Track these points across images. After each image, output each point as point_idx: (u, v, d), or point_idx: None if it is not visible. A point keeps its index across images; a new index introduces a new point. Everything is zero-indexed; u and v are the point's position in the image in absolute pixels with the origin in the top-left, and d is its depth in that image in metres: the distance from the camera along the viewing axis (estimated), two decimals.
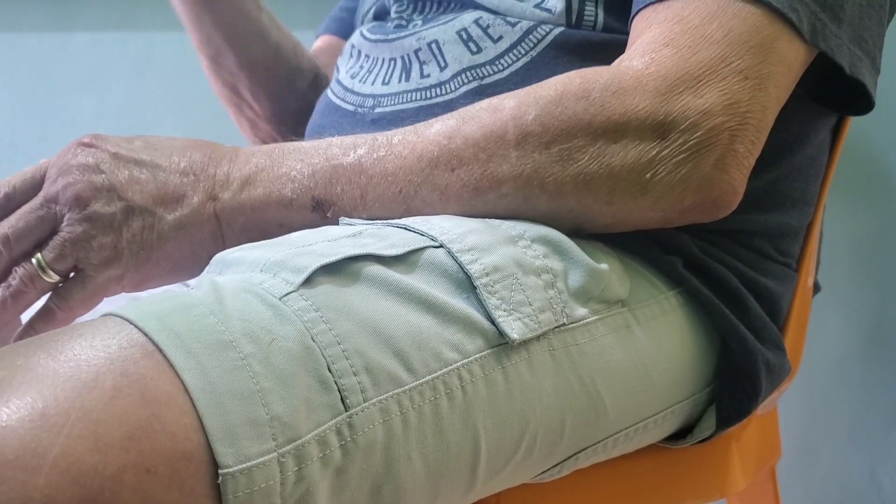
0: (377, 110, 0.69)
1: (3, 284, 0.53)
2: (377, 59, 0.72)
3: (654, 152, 0.52)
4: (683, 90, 0.52)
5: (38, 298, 0.54)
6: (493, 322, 0.48)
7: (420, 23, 0.71)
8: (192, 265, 0.54)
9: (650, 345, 0.57)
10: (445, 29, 0.67)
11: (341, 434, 0.42)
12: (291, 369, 0.41)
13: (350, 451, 0.42)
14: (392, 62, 0.70)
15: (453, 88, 0.66)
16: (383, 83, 0.70)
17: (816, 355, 1.04)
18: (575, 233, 0.55)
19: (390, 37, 0.72)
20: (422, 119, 0.56)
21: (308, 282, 0.45)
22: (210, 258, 0.50)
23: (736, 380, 0.62)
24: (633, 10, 0.58)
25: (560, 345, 0.51)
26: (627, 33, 0.58)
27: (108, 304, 0.50)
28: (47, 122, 1.33)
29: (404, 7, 0.73)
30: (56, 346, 0.39)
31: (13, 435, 0.35)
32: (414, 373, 0.45)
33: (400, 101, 0.68)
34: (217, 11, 0.82)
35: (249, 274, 0.46)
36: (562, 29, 0.63)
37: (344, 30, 0.93)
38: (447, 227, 0.51)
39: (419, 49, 0.68)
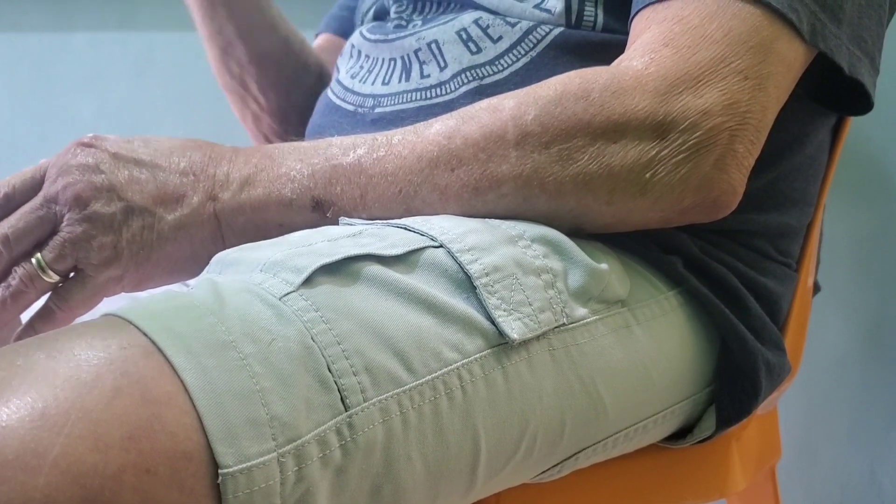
0: (377, 110, 0.69)
1: (2, 284, 0.53)
2: (377, 59, 0.72)
3: (654, 152, 0.52)
4: (683, 90, 0.52)
5: (37, 298, 0.54)
6: (492, 322, 0.48)
7: (420, 23, 0.71)
8: (192, 265, 0.54)
9: (650, 345, 0.57)
10: (445, 29, 0.67)
11: (341, 434, 0.42)
12: (291, 369, 0.41)
13: (350, 450, 0.42)
14: (392, 62, 0.70)
15: (453, 88, 0.66)
16: (383, 83, 0.70)
17: (816, 355, 1.04)
18: (575, 233, 0.55)
19: (390, 37, 0.72)
20: (422, 119, 0.56)
21: (308, 282, 0.45)
22: (210, 258, 0.50)
23: (736, 380, 0.62)
24: (633, 10, 0.58)
25: (560, 345, 0.51)
26: (627, 33, 0.58)
27: (107, 304, 0.50)
28: (47, 122, 1.33)
29: (404, 7, 0.73)
30: (56, 346, 0.39)
31: (13, 435, 0.35)
32: (414, 373, 0.45)
33: (400, 101, 0.68)
34: (232, 3, 0.82)
35: (249, 274, 0.46)
36: (561, 29, 0.63)
37: (344, 28, 0.93)
38: (447, 227, 0.51)
39: (419, 49, 0.68)
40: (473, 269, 0.49)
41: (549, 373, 0.50)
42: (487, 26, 0.65)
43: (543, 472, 0.56)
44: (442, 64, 0.67)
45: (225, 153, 0.56)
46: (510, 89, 0.56)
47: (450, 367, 0.46)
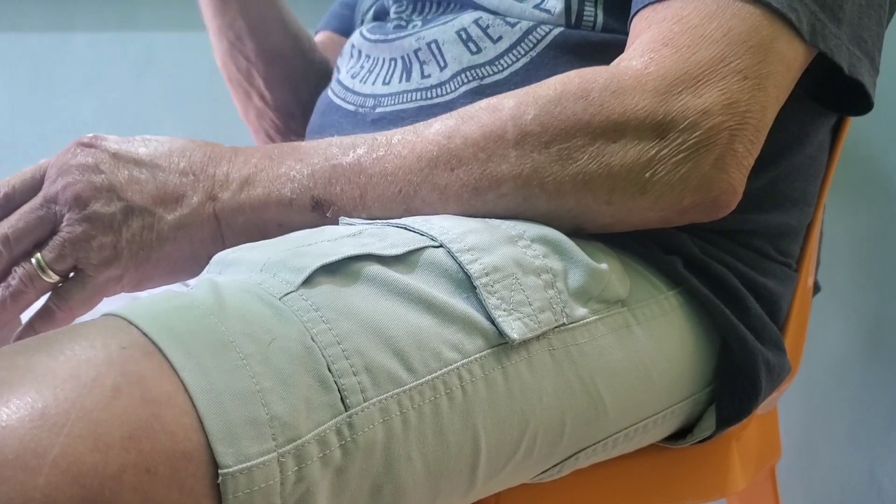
0: (378, 110, 0.69)
1: (2, 284, 0.53)
2: (377, 59, 0.72)
3: (654, 152, 0.52)
4: (682, 90, 0.52)
5: (37, 298, 0.54)
6: (492, 322, 0.48)
7: (420, 23, 0.71)
8: (192, 265, 0.54)
9: (650, 345, 0.57)
10: (445, 29, 0.67)
11: (341, 434, 0.42)
12: (291, 369, 0.41)
13: (350, 450, 0.42)
14: (392, 62, 0.70)
15: (453, 88, 0.66)
16: (384, 83, 0.70)
17: (816, 355, 1.04)
18: (574, 232, 0.55)
19: (390, 37, 0.72)
20: (422, 119, 0.56)
21: (308, 282, 0.45)
22: (209, 258, 0.50)
23: (736, 380, 0.62)
24: (633, 10, 0.58)
25: (560, 345, 0.51)
26: (627, 33, 0.58)
27: (107, 304, 0.50)
28: (47, 122, 1.33)
29: (403, 7, 0.74)
30: (56, 346, 0.39)
31: (13, 435, 0.35)
32: (414, 373, 0.45)
33: (400, 101, 0.68)
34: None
35: (249, 274, 0.46)
36: (561, 29, 0.63)
37: (344, 26, 0.93)
38: (447, 227, 0.51)
39: (419, 49, 0.68)
40: (473, 269, 0.49)
41: (549, 373, 0.50)
42: (487, 26, 0.65)
43: (543, 471, 0.56)
44: (442, 64, 0.67)
45: (224, 153, 0.56)
46: (510, 89, 0.56)
47: (450, 367, 0.46)
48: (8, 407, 0.36)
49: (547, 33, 0.63)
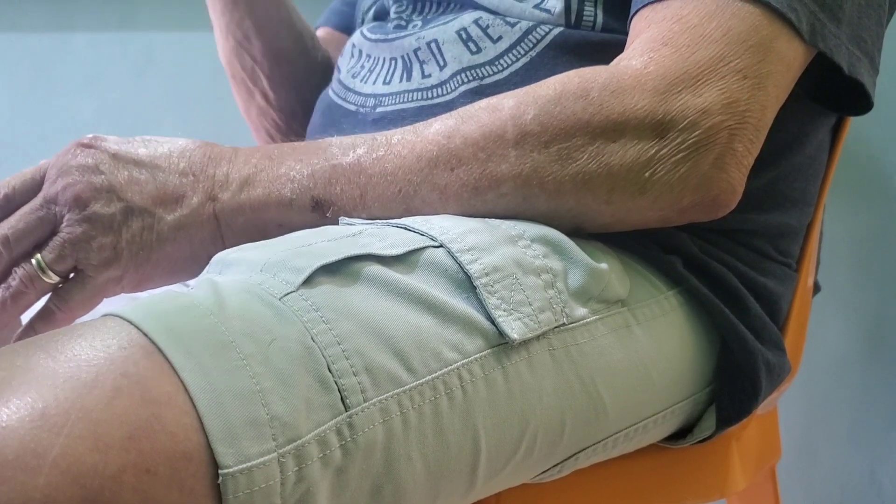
0: (378, 110, 0.69)
1: (2, 285, 0.53)
2: (378, 58, 0.72)
3: (653, 151, 0.52)
4: (682, 89, 0.52)
5: (37, 299, 0.54)
6: (492, 322, 0.48)
7: (420, 23, 0.71)
8: (192, 265, 0.54)
9: (650, 344, 0.57)
10: (445, 29, 0.67)
11: (341, 434, 0.42)
12: (291, 369, 0.41)
13: (350, 451, 0.42)
14: (393, 62, 0.70)
15: (453, 88, 0.66)
16: (384, 83, 0.70)
17: (816, 355, 1.04)
18: (574, 232, 0.55)
19: (390, 36, 0.72)
20: (423, 119, 0.56)
21: (308, 282, 0.45)
22: (210, 258, 0.50)
23: (736, 380, 0.62)
24: (632, 9, 0.58)
25: (560, 345, 0.51)
26: (626, 33, 0.58)
27: (107, 305, 0.50)
28: (47, 122, 1.33)
29: (404, 7, 0.74)
30: (56, 346, 0.39)
31: (13, 435, 0.35)
32: (414, 373, 0.45)
33: (401, 100, 0.68)
34: None
35: (249, 274, 0.46)
36: (561, 29, 0.63)
37: (344, 23, 0.93)
38: (447, 227, 0.51)
39: (418, 49, 0.68)
40: (473, 269, 0.49)
41: (549, 373, 0.50)
42: (487, 26, 0.65)
43: (543, 472, 0.56)
44: (441, 63, 0.67)
45: (224, 153, 0.56)
46: (510, 89, 0.56)
47: (450, 367, 0.46)
48: (8, 407, 0.36)
49: (547, 33, 0.63)
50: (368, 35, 0.75)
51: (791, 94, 0.57)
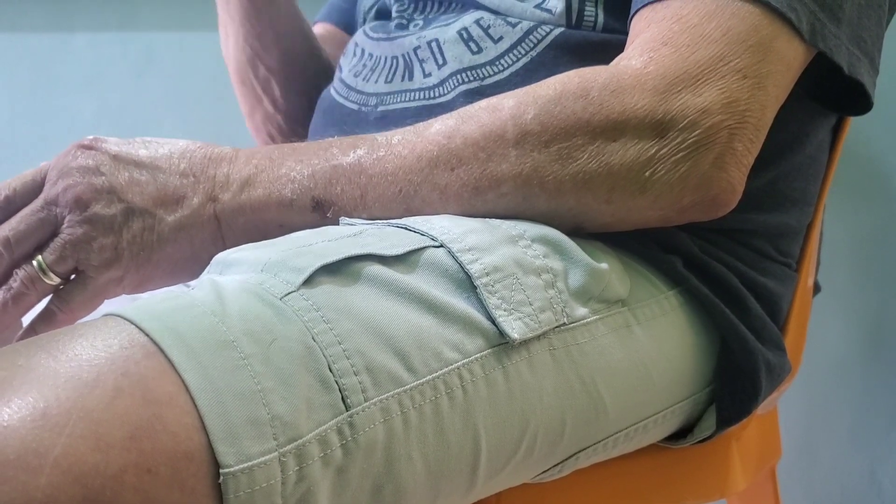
0: (380, 109, 0.69)
1: (3, 287, 0.53)
2: (380, 57, 0.72)
3: (653, 151, 0.52)
4: (682, 89, 0.52)
5: (39, 300, 0.54)
6: (493, 322, 0.48)
7: (421, 23, 0.71)
8: (193, 266, 0.54)
9: (650, 344, 0.57)
10: (446, 29, 0.67)
11: (342, 433, 0.42)
12: (292, 369, 0.41)
13: (351, 450, 0.42)
14: (394, 60, 0.70)
15: (451, 88, 0.66)
16: (386, 82, 0.70)
17: (816, 355, 1.04)
18: (575, 232, 0.55)
19: (392, 35, 0.72)
20: (425, 118, 0.56)
21: (308, 282, 0.45)
22: (210, 259, 0.50)
23: (736, 380, 0.62)
24: (632, 9, 0.58)
25: (560, 344, 0.51)
26: (627, 33, 0.58)
27: (108, 306, 0.50)
28: (47, 123, 1.33)
29: (405, 6, 0.74)
30: (57, 346, 0.39)
31: (15, 435, 0.35)
32: (414, 372, 0.45)
33: (403, 99, 0.68)
34: (277, 8, 0.81)
35: (250, 274, 0.46)
36: (562, 29, 0.63)
37: (345, 20, 0.92)
38: (447, 227, 0.51)
39: (419, 47, 0.68)
40: (474, 269, 0.49)
41: (549, 372, 0.50)
42: (488, 26, 0.65)
43: (544, 471, 0.56)
44: (440, 62, 0.67)
45: (225, 154, 0.56)
46: (510, 89, 0.56)
47: (450, 367, 0.46)
48: (9, 407, 0.36)
49: (548, 33, 0.63)
50: (370, 34, 0.75)
51: (791, 93, 0.57)
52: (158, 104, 1.33)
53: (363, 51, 0.75)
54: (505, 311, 0.49)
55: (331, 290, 0.45)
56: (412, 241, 0.49)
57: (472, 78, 0.65)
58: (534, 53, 0.64)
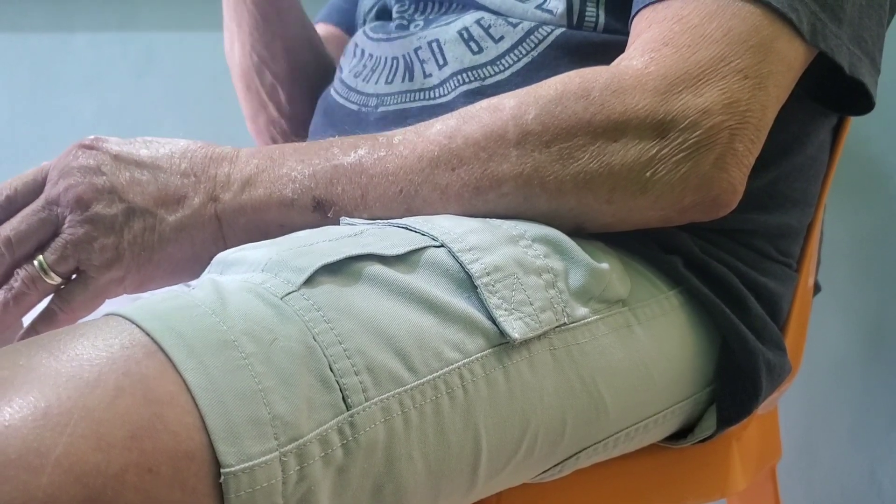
0: (380, 109, 0.69)
1: (5, 287, 0.53)
2: (380, 58, 0.72)
3: (654, 151, 0.52)
4: (683, 89, 0.52)
5: (39, 300, 0.54)
6: (494, 321, 0.48)
7: (422, 23, 0.71)
8: (194, 266, 0.54)
9: (651, 344, 0.57)
10: (447, 29, 0.67)
11: (343, 433, 0.42)
12: (293, 369, 0.41)
13: (352, 450, 0.42)
14: (395, 61, 0.70)
15: (451, 88, 0.66)
16: (387, 82, 0.70)
17: (817, 355, 1.04)
18: (575, 232, 0.55)
19: (392, 36, 0.72)
20: (425, 119, 0.56)
21: (309, 281, 0.45)
22: (211, 259, 0.50)
23: (737, 380, 0.62)
24: (633, 10, 0.58)
25: (561, 344, 0.51)
26: (628, 34, 0.58)
27: (109, 306, 0.50)
28: (47, 123, 1.33)
29: (406, 7, 0.74)
30: (58, 345, 0.39)
31: (16, 434, 0.35)
32: (415, 372, 0.45)
33: (403, 100, 0.68)
34: (287, 19, 0.81)
35: (251, 274, 0.46)
36: (563, 30, 0.63)
37: (346, 21, 0.92)
38: (448, 227, 0.51)
39: (419, 48, 0.68)
40: (474, 269, 0.49)
41: (550, 372, 0.50)
42: (489, 26, 0.65)
43: (544, 471, 0.56)
44: (441, 62, 0.67)
45: (226, 154, 0.56)
46: (511, 89, 0.56)
47: (451, 367, 0.46)
48: (11, 406, 0.36)
49: (549, 34, 0.63)
50: (370, 34, 0.75)
51: (792, 94, 0.57)
52: (158, 104, 1.33)
53: (363, 51, 0.75)
54: (505, 310, 0.49)
55: (332, 289, 0.45)
56: (413, 241, 0.49)
57: (472, 78, 0.65)
58: (535, 54, 0.64)
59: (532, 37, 0.64)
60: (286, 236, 0.50)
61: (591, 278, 0.53)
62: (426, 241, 0.50)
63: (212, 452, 0.38)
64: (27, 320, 0.55)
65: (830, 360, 1.12)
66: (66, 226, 0.53)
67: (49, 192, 0.54)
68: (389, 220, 0.53)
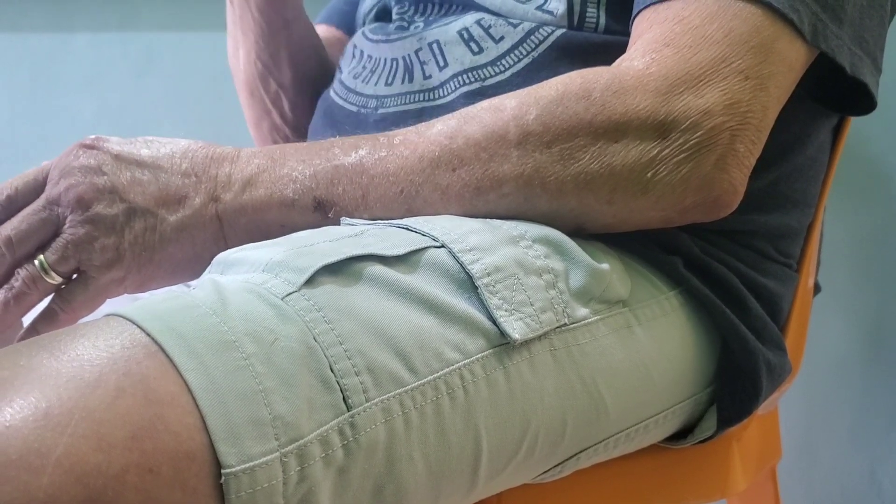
0: (380, 111, 0.69)
1: (5, 286, 0.53)
2: (379, 59, 0.72)
3: (655, 152, 0.52)
4: (684, 90, 0.52)
5: (40, 300, 0.54)
6: (494, 322, 0.48)
7: (422, 24, 0.71)
8: (195, 266, 0.54)
9: (651, 345, 0.57)
10: (447, 29, 0.67)
11: (343, 434, 0.42)
12: (294, 369, 0.41)
13: (352, 450, 0.42)
14: (394, 62, 0.70)
15: (452, 89, 0.66)
16: (386, 84, 0.70)
17: (817, 356, 1.04)
18: (576, 233, 0.55)
19: (392, 37, 0.72)
20: (425, 120, 0.56)
21: (310, 282, 0.45)
22: (212, 259, 0.50)
23: (737, 380, 0.62)
24: (634, 10, 0.58)
25: (561, 345, 0.51)
26: (629, 35, 0.58)
27: (110, 306, 0.50)
28: (47, 123, 1.33)
29: (405, 8, 0.73)
30: (59, 346, 0.39)
31: (17, 434, 0.35)
32: (416, 373, 0.45)
33: (403, 101, 0.68)
34: (293, 28, 0.81)
35: (251, 274, 0.46)
36: (563, 31, 0.63)
37: (347, 23, 0.92)
38: (448, 228, 0.51)
39: (420, 49, 0.68)
40: (475, 270, 0.49)
41: (550, 373, 0.50)
42: (489, 26, 0.65)
43: (545, 472, 0.56)
44: (442, 63, 0.67)
45: (227, 154, 0.56)
46: (511, 90, 0.56)
47: (451, 367, 0.46)
48: (11, 407, 0.36)
49: (549, 34, 0.63)
50: (370, 36, 0.75)
51: (793, 94, 0.57)
52: (158, 104, 1.33)
53: (362, 52, 0.75)
54: (506, 311, 0.49)
55: (332, 290, 0.45)
56: (413, 242, 0.49)
57: (473, 79, 0.65)
58: (535, 54, 0.64)
59: (532, 37, 0.64)
60: (287, 237, 0.50)
61: (591, 279, 0.53)
62: (427, 242, 0.50)
63: (212, 453, 0.38)
64: (27, 320, 0.55)
65: (830, 360, 1.12)
66: (66, 226, 0.53)
67: (50, 191, 0.54)
68: (390, 221, 0.53)
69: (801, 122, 0.65)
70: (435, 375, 0.46)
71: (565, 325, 0.51)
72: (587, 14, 0.63)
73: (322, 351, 0.42)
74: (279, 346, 0.41)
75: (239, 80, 0.87)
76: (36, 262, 0.53)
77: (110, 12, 1.32)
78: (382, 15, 0.77)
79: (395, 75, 0.70)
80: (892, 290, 1.07)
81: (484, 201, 0.53)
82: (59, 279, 0.53)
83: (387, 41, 0.72)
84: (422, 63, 0.68)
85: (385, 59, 0.71)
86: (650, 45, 0.54)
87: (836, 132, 0.74)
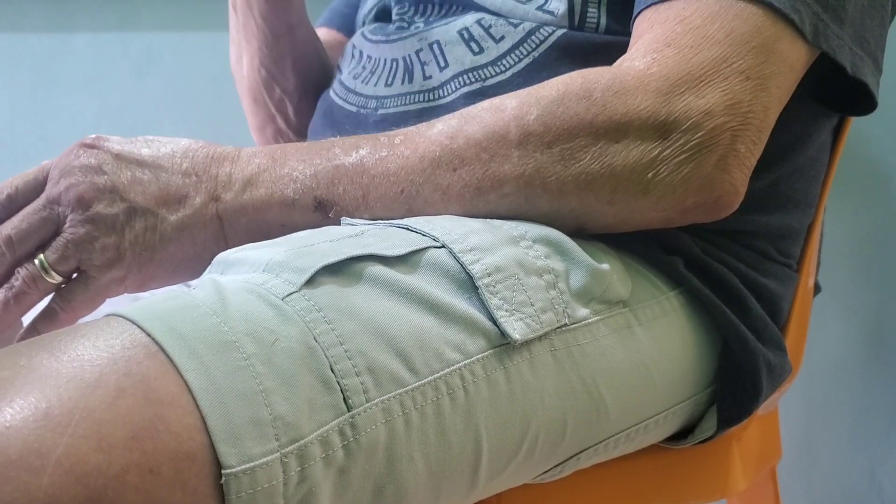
0: (380, 111, 0.69)
1: (5, 286, 0.53)
2: (379, 59, 0.72)
3: (656, 152, 0.52)
4: (685, 90, 0.52)
5: (40, 299, 0.54)
6: (494, 322, 0.48)
7: (422, 25, 0.71)
8: (195, 266, 0.54)
9: (651, 345, 0.57)
10: (447, 29, 0.67)
11: (344, 434, 0.42)
12: (294, 370, 0.41)
13: (353, 451, 0.42)
14: (394, 63, 0.70)
15: (453, 90, 0.66)
16: (386, 84, 0.70)
17: (817, 356, 1.04)
18: (576, 233, 0.55)
19: (392, 38, 0.72)
20: (425, 121, 0.56)
21: (310, 282, 0.45)
22: (212, 259, 0.50)
23: (737, 380, 0.62)
24: (635, 10, 0.58)
25: (562, 345, 0.51)
26: (629, 35, 0.58)
27: (110, 305, 0.50)
28: (47, 123, 1.33)
29: (405, 9, 0.73)
30: (59, 346, 0.39)
31: (17, 435, 0.35)
32: (416, 373, 0.45)
33: (403, 102, 0.68)
34: (296, 35, 0.81)
35: (252, 274, 0.46)
36: (564, 31, 0.63)
37: (347, 25, 0.92)
38: (449, 228, 0.51)
39: (420, 49, 0.68)
40: (475, 270, 0.49)
41: (550, 373, 0.50)
42: (490, 26, 0.65)
43: (545, 472, 0.56)
44: (442, 64, 0.67)
45: (227, 154, 0.56)
46: (512, 90, 0.56)
47: (452, 368, 0.46)
48: (11, 407, 0.36)
49: (550, 34, 0.63)
50: (370, 36, 0.74)
51: (794, 95, 0.57)
52: (158, 104, 1.33)
53: (361, 53, 0.75)
54: (506, 311, 0.49)
55: (333, 290, 0.45)
56: (414, 242, 0.49)
57: (473, 79, 0.65)
58: (536, 54, 0.64)
59: (533, 37, 0.64)
60: (287, 237, 0.50)
61: (591, 279, 0.53)
62: (427, 242, 0.50)
63: (213, 453, 0.38)
64: (27, 320, 0.55)
65: (830, 360, 1.12)
66: (67, 225, 0.53)
67: (50, 191, 0.54)
68: (390, 221, 0.53)
69: (801, 122, 0.65)
70: (435, 376, 0.46)
71: (566, 325, 0.51)
72: (588, 14, 0.63)
73: (322, 351, 0.42)
74: (279, 346, 0.41)
75: (242, 86, 0.87)
76: (36, 261, 0.53)
77: (110, 12, 1.32)
78: (382, 15, 0.77)
79: (395, 76, 0.70)
80: (892, 290, 1.07)
81: (484, 201, 0.53)
82: (59, 278, 0.53)
83: (387, 42, 0.72)
84: (422, 63, 0.68)
85: (385, 60, 0.71)
86: (651, 46, 0.54)
87: (837, 132, 0.74)
